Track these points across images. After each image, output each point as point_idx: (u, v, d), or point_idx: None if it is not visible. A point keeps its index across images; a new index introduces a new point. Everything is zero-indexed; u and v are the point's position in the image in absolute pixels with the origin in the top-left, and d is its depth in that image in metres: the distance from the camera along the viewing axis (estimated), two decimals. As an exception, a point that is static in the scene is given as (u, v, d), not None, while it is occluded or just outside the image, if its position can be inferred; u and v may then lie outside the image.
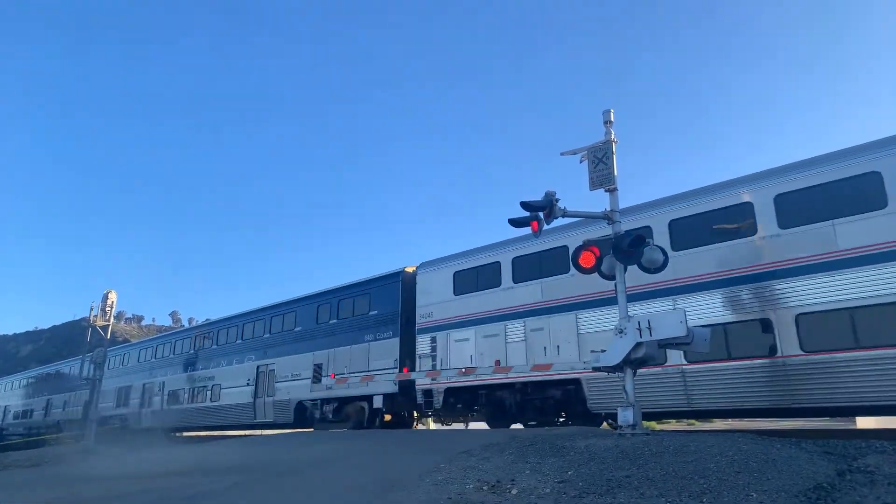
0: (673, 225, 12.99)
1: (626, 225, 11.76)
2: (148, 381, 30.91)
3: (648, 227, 13.12)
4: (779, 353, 10.94)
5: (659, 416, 14.74)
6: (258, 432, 22.92)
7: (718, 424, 19.89)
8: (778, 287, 11.24)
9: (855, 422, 20.03)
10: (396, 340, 18.33)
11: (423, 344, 17.58)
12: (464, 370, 15.64)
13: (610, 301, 12.12)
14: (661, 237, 12.75)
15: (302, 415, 20.74)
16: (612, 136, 11.01)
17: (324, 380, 19.73)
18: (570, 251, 12.50)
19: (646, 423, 10.19)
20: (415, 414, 19.04)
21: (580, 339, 13.83)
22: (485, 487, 6.84)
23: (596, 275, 10.70)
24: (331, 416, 19.26)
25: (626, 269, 10.40)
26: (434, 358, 17.11)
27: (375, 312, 19.40)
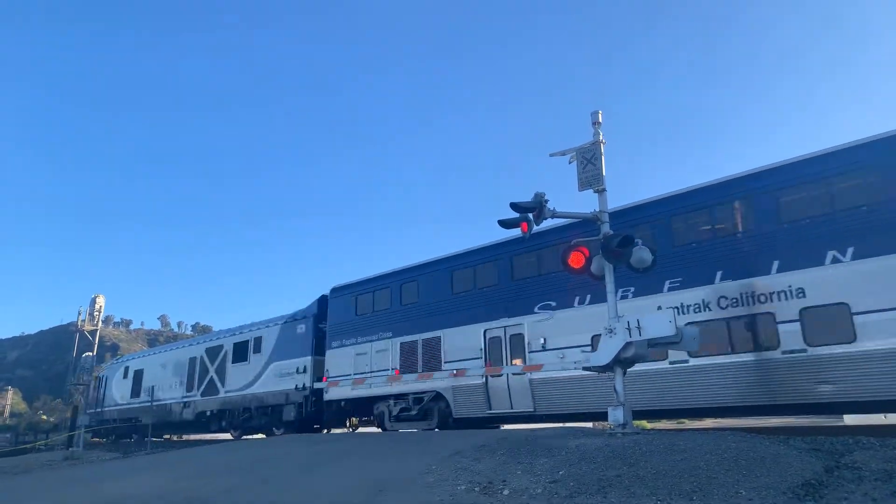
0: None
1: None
2: None
3: None
4: None
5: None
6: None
7: (708, 423, 20.04)
8: None
9: (842, 419, 20.23)
10: None
11: None
12: None
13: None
14: None
15: None
16: (601, 138, 11.08)
17: None
18: None
19: (636, 422, 10.24)
20: None
21: None
22: (476, 488, 6.85)
23: None
24: None
25: (615, 269, 10.47)
26: None
27: None
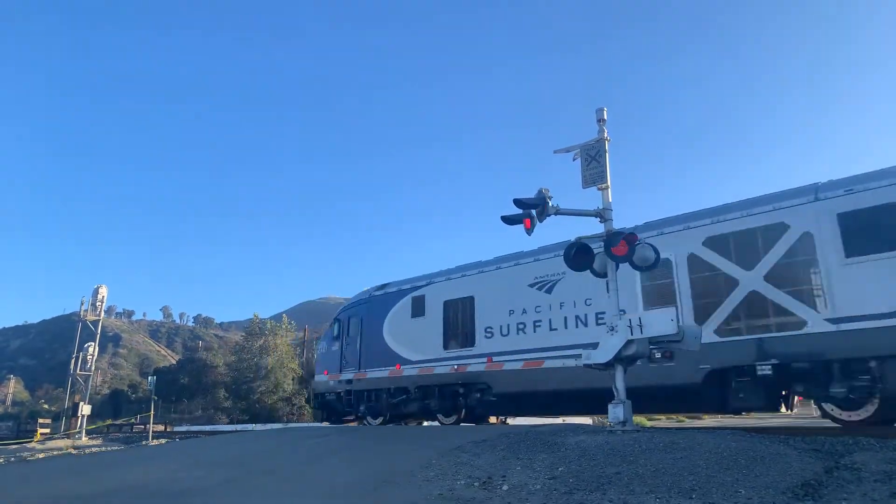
0: None
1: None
2: None
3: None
4: None
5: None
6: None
7: (708, 421, 20.04)
8: None
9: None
10: None
11: None
12: None
13: None
14: None
15: None
16: (605, 135, 11.05)
17: None
18: None
19: (635, 420, 10.26)
20: None
21: None
22: (476, 483, 6.87)
23: None
24: None
25: (617, 268, 10.46)
26: None
27: None
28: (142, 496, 8.56)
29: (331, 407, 19.03)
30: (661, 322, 9.51)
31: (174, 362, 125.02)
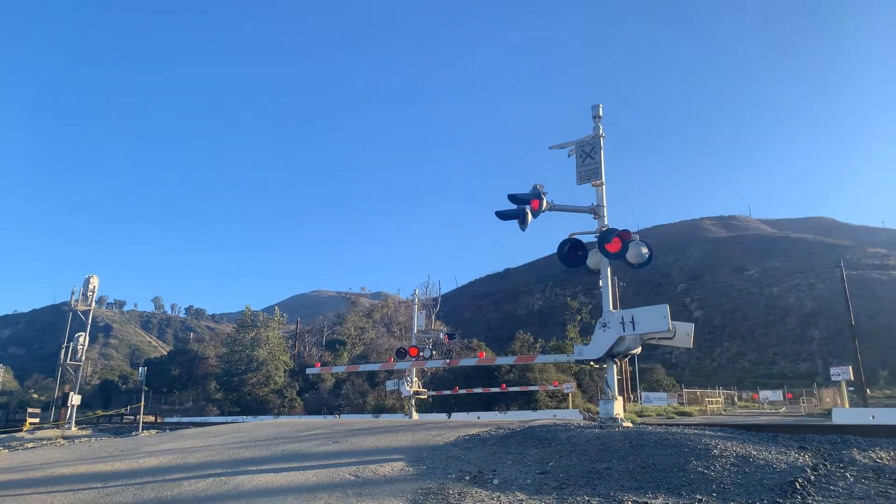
0: None
1: None
2: None
3: None
4: None
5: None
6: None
7: (697, 419, 20.13)
8: None
9: (831, 417, 20.38)
10: None
11: None
12: None
13: None
14: None
15: None
16: (601, 131, 11.05)
17: None
18: None
19: (625, 416, 10.30)
20: None
21: None
22: (467, 477, 6.88)
23: None
24: None
25: (610, 264, 10.49)
26: None
27: None
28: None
29: None
30: (653, 319, 9.53)
31: (165, 353, 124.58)
